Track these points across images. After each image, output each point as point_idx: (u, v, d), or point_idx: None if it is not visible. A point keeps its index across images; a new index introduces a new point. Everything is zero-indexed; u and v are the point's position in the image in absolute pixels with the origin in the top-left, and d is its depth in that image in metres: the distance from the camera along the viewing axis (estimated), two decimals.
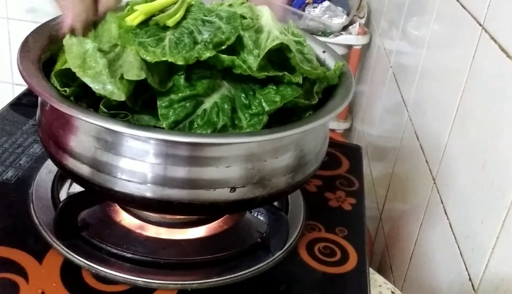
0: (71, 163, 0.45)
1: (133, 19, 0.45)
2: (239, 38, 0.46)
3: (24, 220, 0.50)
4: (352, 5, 1.40)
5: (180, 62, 0.43)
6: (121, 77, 0.42)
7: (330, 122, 0.46)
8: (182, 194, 0.43)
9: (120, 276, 0.46)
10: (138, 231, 0.51)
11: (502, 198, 0.48)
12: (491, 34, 0.55)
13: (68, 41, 0.45)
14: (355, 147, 0.73)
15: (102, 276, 0.46)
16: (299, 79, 0.47)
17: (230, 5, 0.50)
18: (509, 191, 0.47)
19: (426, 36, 0.81)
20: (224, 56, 0.44)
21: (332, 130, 1.43)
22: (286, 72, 0.46)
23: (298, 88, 0.46)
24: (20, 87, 0.61)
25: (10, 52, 1.54)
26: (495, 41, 0.54)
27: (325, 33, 1.33)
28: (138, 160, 0.42)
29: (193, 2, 0.48)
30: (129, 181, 0.43)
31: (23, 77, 0.43)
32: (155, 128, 0.42)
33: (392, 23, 1.12)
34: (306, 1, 1.36)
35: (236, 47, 0.46)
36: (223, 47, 0.45)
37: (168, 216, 0.51)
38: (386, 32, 1.18)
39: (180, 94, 0.43)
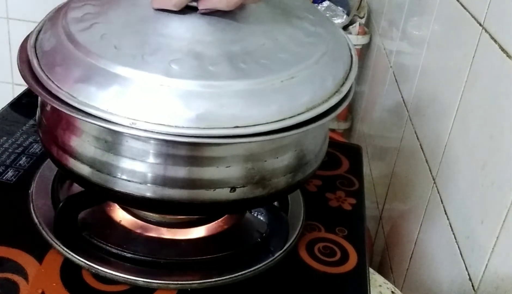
0: (71, 163, 0.45)
1: None
2: None
3: (24, 220, 0.50)
4: (352, 5, 1.40)
5: None
6: None
7: (330, 122, 0.46)
8: (182, 194, 0.43)
9: (120, 276, 0.46)
10: (138, 231, 0.51)
11: (502, 198, 0.48)
12: (491, 34, 0.55)
13: None
14: (355, 147, 0.73)
15: (102, 276, 0.46)
16: None
17: None
18: (509, 191, 0.47)
19: (426, 36, 0.81)
20: None
21: (332, 130, 1.43)
22: None
23: None
24: (20, 87, 0.62)
25: (10, 52, 1.54)
26: (495, 41, 0.54)
27: None
28: (138, 160, 0.42)
29: None
30: (129, 181, 0.43)
31: (23, 77, 0.43)
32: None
33: (392, 23, 1.13)
34: None
35: None
36: None
37: (168, 216, 0.51)
38: (386, 32, 1.18)
39: None
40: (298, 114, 0.41)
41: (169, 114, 0.39)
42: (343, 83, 0.46)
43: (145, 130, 0.39)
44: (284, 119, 0.41)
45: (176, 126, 0.39)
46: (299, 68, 0.43)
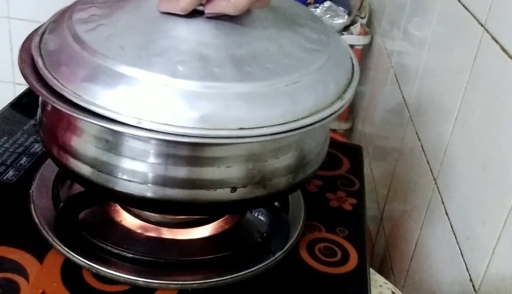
0: (72, 163, 0.45)
1: None
2: None
3: (25, 220, 0.50)
4: (353, 5, 1.40)
5: None
6: None
7: (331, 122, 0.46)
8: (182, 194, 0.43)
9: (120, 276, 0.46)
10: (138, 231, 0.51)
11: (503, 199, 0.48)
12: (492, 34, 0.55)
13: None
14: (356, 147, 0.73)
15: (102, 276, 0.46)
16: None
17: None
18: (510, 192, 0.47)
19: (428, 36, 0.81)
20: None
21: (333, 130, 1.43)
22: None
23: None
24: (21, 86, 0.61)
25: (11, 52, 1.54)
26: (496, 41, 0.54)
27: None
28: (139, 160, 0.42)
29: None
30: (130, 181, 0.43)
31: (24, 76, 0.43)
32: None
33: (393, 23, 1.12)
34: (308, 1, 1.36)
35: None
36: None
37: (169, 216, 0.51)
38: (387, 32, 1.18)
39: None
40: (302, 118, 0.42)
41: (174, 114, 0.39)
42: (345, 90, 0.46)
43: (150, 130, 0.38)
44: (288, 122, 0.41)
45: (181, 126, 0.39)
46: (303, 73, 0.43)
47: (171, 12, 0.44)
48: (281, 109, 0.41)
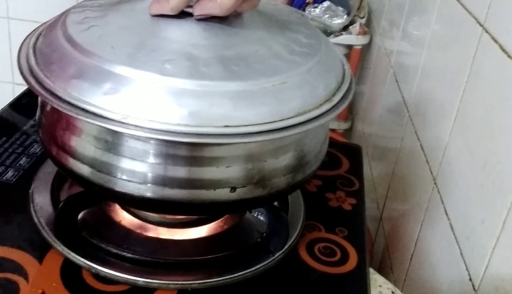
0: (71, 163, 0.45)
1: None
2: None
3: (24, 220, 0.50)
4: (352, 5, 1.40)
5: None
6: None
7: (331, 122, 0.46)
8: (182, 194, 0.43)
9: (120, 276, 0.46)
10: (138, 231, 0.51)
11: (503, 198, 0.48)
12: (491, 34, 0.55)
13: None
14: (355, 147, 0.73)
15: (102, 276, 0.46)
16: None
17: None
18: (509, 191, 0.47)
19: (427, 36, 0.81)
20: None
21: (333, 130, 1.43)
22: None
23: None
24: (21, 87, 0.62)
25: (10, 52, 1.54)
26: (495, 41, 0.54)
27: (325, 33, 1.33)
28: (138, 160, 0.42)
29: None
30: (129, 181, 0.43)
31: (23, 77, 0.43)
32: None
33: (392, 23, 1.13)
34: (307, 1, 1.36)
35: None
36: None
37: (168, 216, 0.51)
38: (386, 32, 1.18)
39: None
40: (288, 118, 0.42)
41: (160, 110, 0.39)
42: (335, 93, 0.46)
43: (136, 126, 0.39)
44: (274, 121, 0.41)
45: (166, 123, 0.39)
46: (291, 75, 0.43)
47: (162, 13, 0.45)
48: (267, 108, 0.41)
